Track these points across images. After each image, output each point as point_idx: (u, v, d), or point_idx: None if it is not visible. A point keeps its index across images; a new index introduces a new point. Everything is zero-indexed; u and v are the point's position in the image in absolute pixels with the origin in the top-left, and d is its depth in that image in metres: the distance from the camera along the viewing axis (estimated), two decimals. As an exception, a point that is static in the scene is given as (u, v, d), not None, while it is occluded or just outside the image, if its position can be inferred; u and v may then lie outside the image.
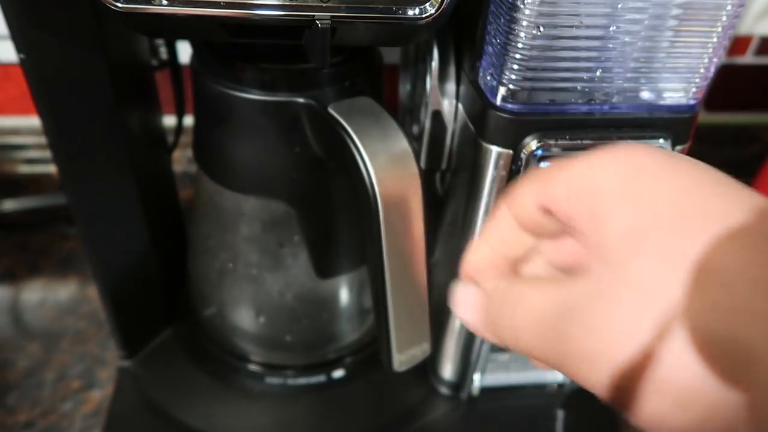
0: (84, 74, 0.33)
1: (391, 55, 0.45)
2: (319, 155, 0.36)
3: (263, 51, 0.34)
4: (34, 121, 0.49)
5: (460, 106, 0.36)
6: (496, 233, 0.23)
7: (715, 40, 0.30)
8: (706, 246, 0.16)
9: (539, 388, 0.47)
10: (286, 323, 0.45)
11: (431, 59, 0.36)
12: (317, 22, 0.26)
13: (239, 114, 0.35)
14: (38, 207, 0.56)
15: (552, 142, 0.31)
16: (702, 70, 0.31)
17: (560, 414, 0.46)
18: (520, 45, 0.29)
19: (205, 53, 0.36)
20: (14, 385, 0.47)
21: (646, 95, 0.32)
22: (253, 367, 0.47)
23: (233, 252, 0.42)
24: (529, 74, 0.30)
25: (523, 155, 0.32)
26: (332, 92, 0.34)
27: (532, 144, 0.31)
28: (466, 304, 0.23)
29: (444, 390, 0.46)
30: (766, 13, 0.64)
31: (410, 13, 0.27)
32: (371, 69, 0.37)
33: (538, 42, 0.29)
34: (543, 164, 0.32)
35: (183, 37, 0.43)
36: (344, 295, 0.45)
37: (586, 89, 0.31)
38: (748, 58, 0.68)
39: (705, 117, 0.73)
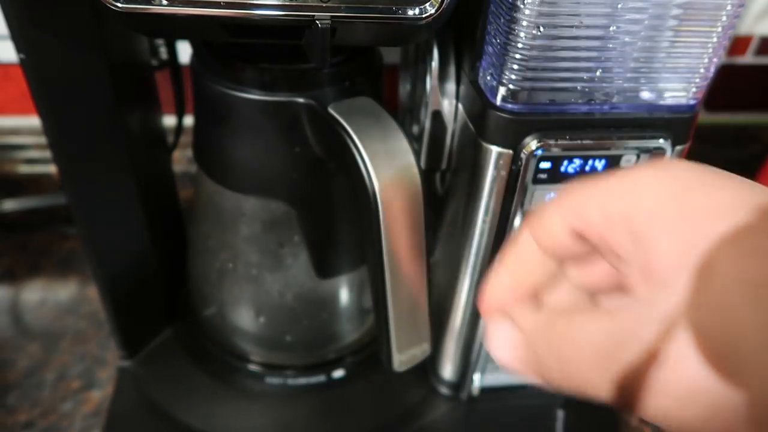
0: (84, 74, 0.33)
1: (391, 55, 0.45)
2: (319, 155, 0.36)
3: (263, 51, 0.34)
4: (34, 121, 0.49)
5: (460, 106, 0.36)
6: (518, 260, 0.22)
7: (715, 40, 0.30)
8: (761, 260, 0.15)
9: (539, 388, 0.47)
10: (286, 323, 0.45)
11: (431, 59, 0.36)
12: (317, 22, 0.26)
13: (239, 114, 0.35)
14: (38, 207, 0.56)
15: (552, 142, 0.31)
16: (702, 70, 0.31)
17: (560, 414, 0.46)
18: (520, 45, 0.29)
19: (205, 53, 0.36)
20: (14, 385, 0.47)
21: (646, 95, 0.32)
22: (253, 367, 0.47)
23: (233, 252, 0.42)
24: (529, 74, 0.30)
25: (523, 155, 0.32)
26: (332, 92, 0.34)
27: (532, 144, 0.31)
28: (503, 343, 0.21)
29: (444, 390, 0.46)
30: (766, 13, 0.64)
31: (410, 13, 0.27)
32: (371, 69, 0.37)
33: (538, 42, 0.29)
34: (550, 196, 0.31)
35: (183, 37, 0.43)
36: (344, 295, 0.45)
37: (586, 89, 0.31)
38: (748, 58, 0.68)
39: (705, 117, 0.73)
